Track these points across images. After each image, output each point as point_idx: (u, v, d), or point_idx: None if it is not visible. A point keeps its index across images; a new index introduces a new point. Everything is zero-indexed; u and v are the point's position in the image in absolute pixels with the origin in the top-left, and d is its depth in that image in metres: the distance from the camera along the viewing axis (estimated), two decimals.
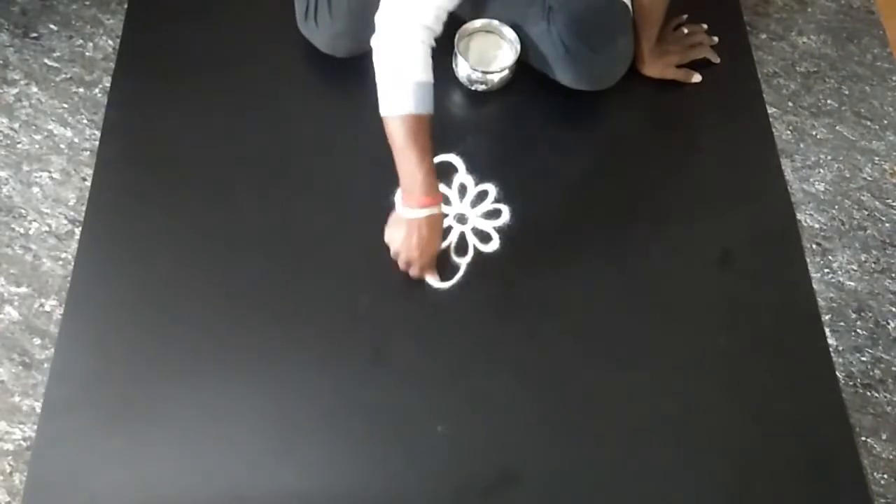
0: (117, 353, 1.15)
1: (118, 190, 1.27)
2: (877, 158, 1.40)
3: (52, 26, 1.43)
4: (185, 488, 1.07)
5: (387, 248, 1.18)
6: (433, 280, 1.20)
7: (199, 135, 1.32)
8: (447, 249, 1.24)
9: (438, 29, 1.08)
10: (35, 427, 1.10)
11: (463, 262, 1.23)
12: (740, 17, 1.52)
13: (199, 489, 1.07)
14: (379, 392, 1.14)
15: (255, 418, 1.11)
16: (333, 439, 1.11)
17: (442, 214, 1.12)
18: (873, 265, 1.31)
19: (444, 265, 1.22)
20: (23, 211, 1.26)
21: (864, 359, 1.23)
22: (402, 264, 1.17)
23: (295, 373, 1.14)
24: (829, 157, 1.40)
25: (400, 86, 1.03)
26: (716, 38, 1.43)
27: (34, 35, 1.42)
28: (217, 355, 1.15)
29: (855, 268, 1.30)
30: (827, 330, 1.23)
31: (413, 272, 1.18)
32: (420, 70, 1.04)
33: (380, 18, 1.05)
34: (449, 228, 1.25)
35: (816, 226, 1.33)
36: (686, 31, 1.41)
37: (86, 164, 1.30)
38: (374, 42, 1.06)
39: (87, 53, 1.41)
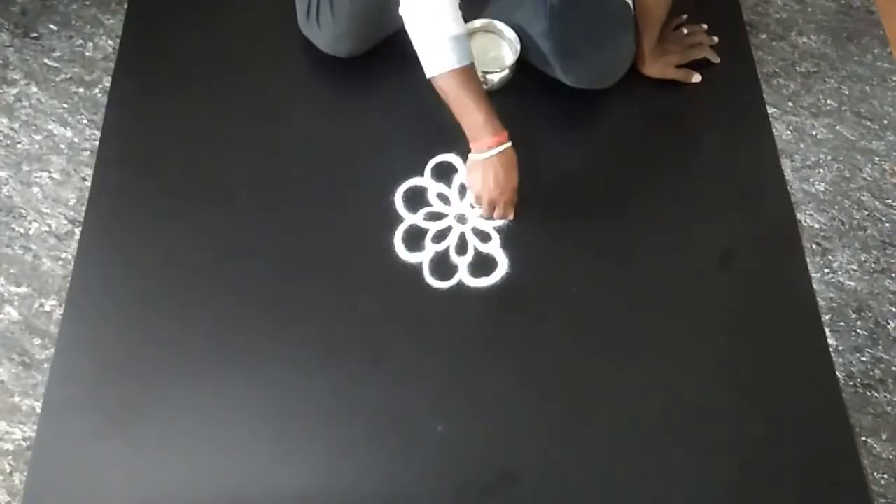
0: (117, 353, 1.15)
1: (118, 190, 1.27)
2: (877, 158, 1.40)
3: (52, 26, 1.44)
4: (185, 488, 1.07)
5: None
6: (512, 216, 1.23)
7: (200, 135, 1.32)
8: (447, 249, 1.24)
9: None
10: (35, 427, 1.10)
11: (463, 262, 1.23)
12: (740, 17, 1.52)
13: (199, 489, 1.07)
14: (379, 392, 1.14)
15: (254, 418, 1.12)
16: (333, 439, 1.11)
17: (512, 148, 1.15)
18: (873, 265, 1.31)
19: (444, 265, 1.23)
20: (23, 211, 1.26)
21: (864, 359, 1.23)
22: (485, 206, 1.20)
23: (295, 372, 1.14)
24: (829, 157, 1.40)
25: (438, 45, 1.07)
26: (716, 38, 1.43)
27: (34, 35, 1.43)
28: (217, 355, 1.15)
29: (855, 268, 1.30)
30: (827, 330, 1.23)
31: (497, 213, 1.21)
32: (452, 24, 1.08)
33: None
34: (449, 228, 1.26)
35: (816, 226, 1.33)
36: (686, 31, 1.41)
37: (86, 164, 1.30)
38: (403, 10, 1.10)
39: (87, 53, 1.41)
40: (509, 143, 1.14)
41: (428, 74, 1.11)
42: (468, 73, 1.10)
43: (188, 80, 1.37)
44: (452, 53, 1.07)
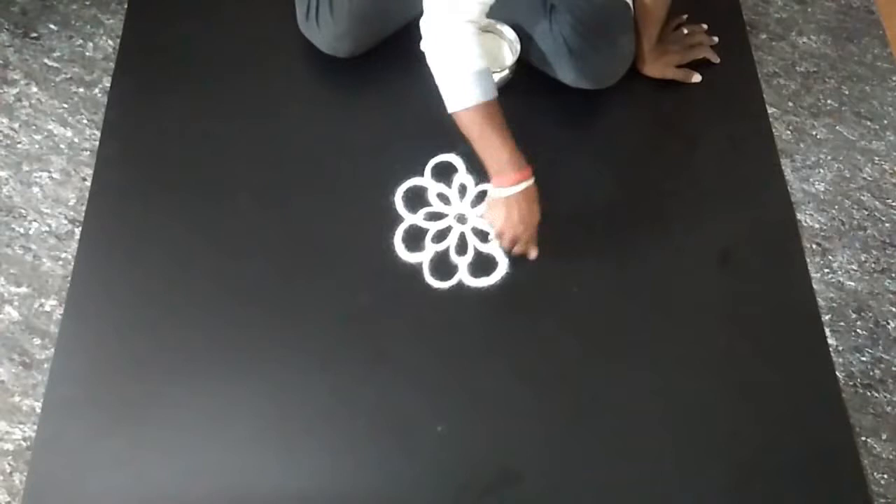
0: (117, 353, 1.15)
1: (118, 190, 1.27)
2: (877, 158, 1.40)
3: (52, 26, 1.43)
4: (185, 488, 1.07)
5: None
6: (534, 253, 1.20)
7: (199, 135, 1.32)
8: (447, 249, 1.24)
9: (483, 21, 1.09)
10: (35, 427, 1.10)
11: (463, 262, 1.23)
12: (740, 17, 1.52)
13: (198, 489, 1.07)
14: (379, 392, 1.14)
15: (254, 418, 1.12)
16: (333, 439, 1.11)
17: (535, 185, 1.12)
18: (873, 265, 1.31)
19: (444, 265, 1.23)
20: (23, 211, 1.26)
21: (864, 359, 1.23)
22: (507, 243, 1.18)
23: (295, 372, 1.14)
24: (829, 157, 1.40)
25: (462, 80, 1.05)
26: (716, 38, 1.43)
27: (34, 35, 1.42)
28: (217, 355, 1.15)
29: (855, 268, 1.30)
30: (827, 330, 1.23)
31: (518, 249, 1.18)
32: (476, 59, 1.05)
33: (426, 22, 1.06)
34: (449, 228, 1.26)
35: (816, 226, 1.33)
36: (686, 31, 1.41)
37: (86, 164, 1.30)
38: (425, 45, 1.07)
39: (87, 53, 1.41)
40: (532, 180, 1.11)
41: (450, 109, 1.07)
42: (493, 107, 1.07)
43: (188, 80, 1.37)
44: (476, 88, 1.04)
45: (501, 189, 1.11)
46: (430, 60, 1.07)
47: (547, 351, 1.18)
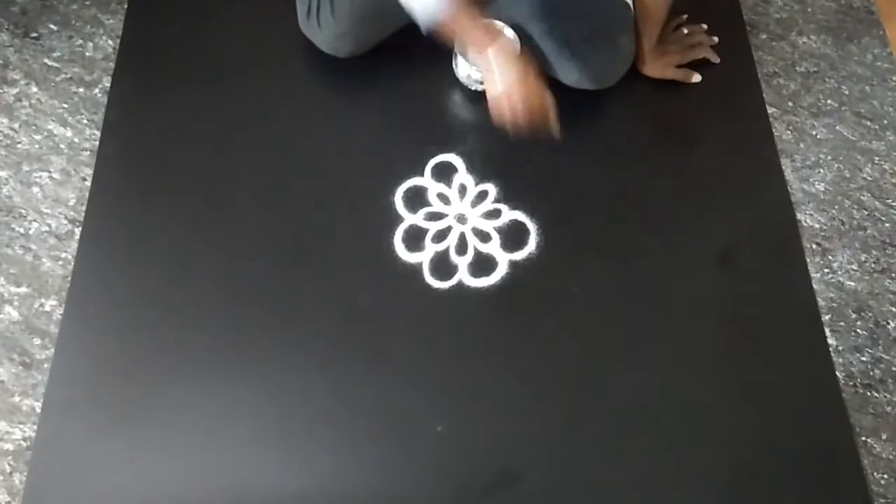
0: (117, 353, 1.15)
1: (118, 190, 1.27)
2: (877, 158, 1.40)
3: (52, 26, 1.43)
4: (185, 488, 1.07)
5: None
6: (554, 122, 1.15)
7: (200, 135, 1.32)
8: (447, 249, 1.24)
9: None
10: (35, 427, 1.10)
11: (463, 262, 1.23)
12: (740, 17, 1.52)
13: (199, 489, 1.07)
14: (379, 392, 1.14)
15: (254, 418, 1.12)
16: (333, 439, 1.11)
17: (508, 41, 1.11)
18: (873, 265, 1.31)
19: (444, 265, 1.23)
20: (23, 211, 1.26)
21: (864, 359, 1.23)
22: (508, 113, 1.13)
23: (295, 372, 1.14)
24: (829, 157, 1.40)
25: None
26: (716, 38, 1.43)
27: (34, 35, 1.42)
28: (217, 355, 1.15)
29: (855, 268, 1.30)
30: (827, 330, 1.23)
31: (519, 116, 1.13)
32: None
33: None
34: (449, 228, 1.26)
35: (816, 226, 1.33)
36: (686, 31, 1.41)
37: (86, 164, 1.30)
38: None
39: (87, 53, 1.41)
40: (505, 38, 1.11)
41: (425, 29, 1.07)
42: (461, 5, 1.06)
43: (188, 80, 1.37)
44: None
45: (480, 58, 1.11)
46: None
47: (547, 351, 1.18)
